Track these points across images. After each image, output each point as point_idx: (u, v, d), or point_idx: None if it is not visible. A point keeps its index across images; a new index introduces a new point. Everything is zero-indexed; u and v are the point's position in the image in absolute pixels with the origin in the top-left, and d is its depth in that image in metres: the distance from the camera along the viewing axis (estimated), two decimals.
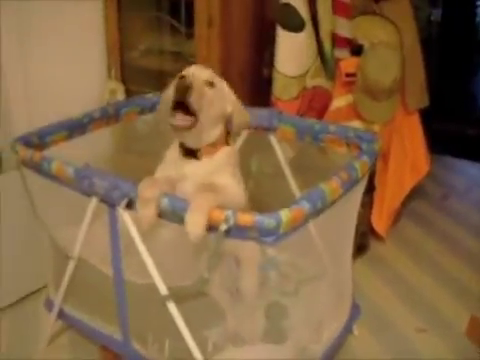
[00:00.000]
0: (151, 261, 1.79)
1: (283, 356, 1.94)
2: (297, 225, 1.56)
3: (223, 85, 1.97)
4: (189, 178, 1.91)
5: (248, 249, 1.80)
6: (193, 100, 1.78)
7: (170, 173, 1.94)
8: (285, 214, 1.49)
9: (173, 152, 1.99)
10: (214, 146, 1.93)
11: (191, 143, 1.92)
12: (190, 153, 1.93)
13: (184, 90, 1.77)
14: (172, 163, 1.97)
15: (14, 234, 2.48)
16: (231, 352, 1.91)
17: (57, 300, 2.21)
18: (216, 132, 1.92)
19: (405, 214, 3.54)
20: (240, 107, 1.99)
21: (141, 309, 1.94)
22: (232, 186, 1.88)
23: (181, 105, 1.78)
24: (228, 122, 1.96)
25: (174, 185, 1.90)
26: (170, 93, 1.86)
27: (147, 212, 1.67)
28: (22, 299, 2.63)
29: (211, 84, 1.87)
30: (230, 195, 1.79)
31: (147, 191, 1.68)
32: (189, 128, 1.82)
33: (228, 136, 2.00)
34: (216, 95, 1.88)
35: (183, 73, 1.88)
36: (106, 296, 2.01)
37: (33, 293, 2.66)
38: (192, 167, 1.92)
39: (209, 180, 1.87)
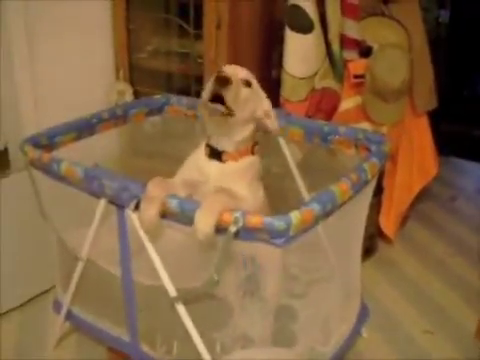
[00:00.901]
0: (160, 262, 1.78)
1: (292, 358, 1.94)
2: (307, 227, 1.55)
3: (259, 88, 2.00)
4: (211, 180, 1.93)
5: (269, 252, 1.80)
6: (230, 94, 1.80)
7: (192, 175, 1.95)
8: (295, 216, 1.48)
9: (197, 155, 2.02)
10: (239, 152, 1.96)
11: (220, 139, 1.95)
12: (215, 155, 1.95)
13: (223, 82, 1.79)
14: (194, 165, 1.99)
15: (22, 235, 2.49)
16: (239, 354, 1.90)
17: (65, 301, 2.21)
18: (246, 132, 1.96)
19: (413, 216, 3.53)
20: (270, 112, 2.02)
21: (149, 310, 1.94)
22: (248, 198, 1.89)
23: (218, 98, 1.80)
24: (258, 127, 2.01)
25: (195, 187, 1.93)
26: (208, 87, 1.86)
27: (148, 212, 1.68)
28: (28, 301, 2.63)
29: (248, 83, 1.91)
30: (244, 204, 1.78)
31: (153, 190, 1.69)
32: (224, 116, 1.83)
33: (254, 146, 2.02)
34: (251, 95, 1.92)
35: (222, 69, 1.90)
36: (114, 297, 2.01)
37: (39, 295, 2.66)
38: (213, 171, 1.95)
39: (228, 184, 1.89)
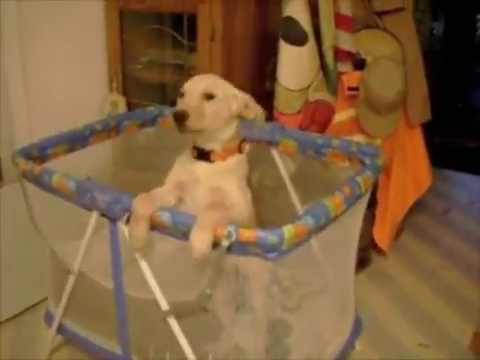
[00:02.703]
0: (152, 276, 1.77)
1: None
2: (300, 241, 1.54)
3: (225, 88, 2.00)
4: (200, 181, 1.95)
5: (256, 265, 1.79)
6: (192, 125, 1.84)
7: (181, 177, 1.96)
8: (288, 230, 1.47)
9: (185, 156, 2.03)
10: (227, 151, 1.99)
11: (205, 143, 1.97)
12: (203, 156, 1.97)
13: (181, 119, 1.83)
14: (183, 166, 2.00)
15: (14, 247, 2.47)
16: None
17: (57, 314, 2.19)
18: (230, 131, 2.00)
19: (407, 228, 3.52)
20: (247, 102, 2.05)
21: (142, 324, 1.92)
22: (239, 203, 1.91)
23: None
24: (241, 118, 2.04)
25: (185, 189, 1.95)
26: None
27: (137, 230, 1.67)
28: (22, 312, 2.61)
29: (210, 96, 1.91)
30: (236, 213, 1.79)
31: (139, 208, 1.68)
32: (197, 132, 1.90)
33: (242, 144, 2.05)
34: (218, 104, 1.93)
35: (181, 89, 1.95)
36: (107, 310, 1.99)
37: (33, 306, 2.64)
38: (203, 170, 1.96)
39: (218, 184, 1.92)
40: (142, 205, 1.68)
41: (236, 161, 2.02)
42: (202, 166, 1.97)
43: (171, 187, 1.97)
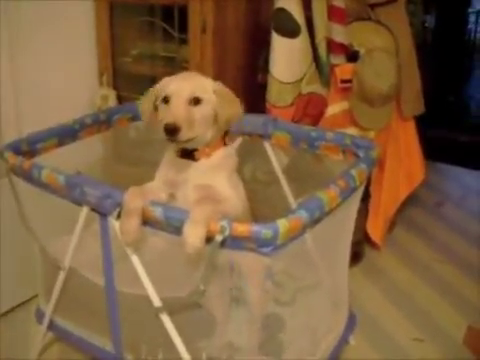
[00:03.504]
0: (144, 272, 1.75)
1: None
2: (295, 235, 1.52)
3: (207, 86, 1.88)
4: (189, 179, 1.89)
5: (251, 262, 1.77)
6: (183, 136, 1.76)
7: (169, 175, 1.92)
8: (282, 224, 1.45)
9: (171, 154, 1.96)
10: (210, 146, 1.90)
11: (186, 146, 1.89)
12: (186, 154, 1.90)
13: (173, 133, 1.75)
14: (170, 164, 1.94)
15: (4, 242, 2.44)
16: None
17: (48, 311, 2.16)
18: (210, 132, 1.88)
19: (400, 222, 3.52)
20: (225, 101, 1.89)
21: (134, 320, 1.90)
22: (231, 197, 1.85)
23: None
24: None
25: (176, 186, 1.90)
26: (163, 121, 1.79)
27: (128, 224, 1.65)
28: (13, 308, 2.59)
29: (197, 100, 1.82)
30: (229, 207, 1.76)
31: (130, 202, 1.65)
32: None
33: (225, 135, 1.96)
34: (205, 109, 1.84)
35: (163, 92, 1.85)
36: (98, 307, 1.97)
37: (24, 303, 2.62)
38: (190, 169, 1.89)
39: (207, 181, 1.86)
40: (133, 198, 1.65)
41: (222, 155, 1.93)
42: (188, 164, 1.90)
43: (161, 184, 1.93)
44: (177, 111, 1.77)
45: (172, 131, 1.74)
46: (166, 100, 1.83)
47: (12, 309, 2.59)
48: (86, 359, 2.28)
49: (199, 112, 1.82)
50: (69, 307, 2.14)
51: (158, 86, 1.92)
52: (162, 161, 1.99)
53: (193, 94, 1.82)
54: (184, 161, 1.91)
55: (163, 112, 1.84)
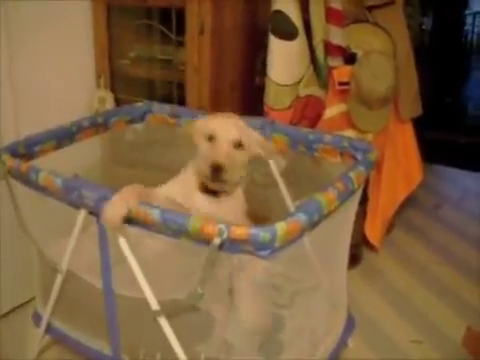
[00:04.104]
0: (141, 275, 1.74)
1: None
2: (293, 238, 1.51)
3: (248, 133, 1.99)
4: (199, 210, 1.92)
5: (244, 280, 1.79)
6: (226, 177, 1.84)
7: (178, 199, 1.94)
8: (281, 227, 1.44)
9: (184, 181, 2.01)
10: (236, 185, 1.99)
11: (216, 187, 1.95)
12: (209, 192, 1.96)
13: (218, 172, 1.83)
14: (181, 190, 1.99)
15: (2, 244, 2.44)
16: None
17: (45, 314, 2.15)
18: (242, 173, 1.98)
19: (398, 224, 3.52)
20: (265, 144, 2.06)
21: (132, 323, 1.89)
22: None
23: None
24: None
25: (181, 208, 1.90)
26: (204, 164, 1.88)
27: (113, 210, 1.64)
28: (10, 311, 2.59)
29: (239, 145, 1.91)
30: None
31: (125, 193, 1.66)
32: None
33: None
34: (246, 154, 1.95)
35: (207, 130, 1.92)
36: (96, 310, 1.96)
37: (22, 305, 2.62)
38: (207, 203, 1.96)
39: (223, 217, 1.87)
40: (130, 192, 1.66)
41: (240, 192, 2.03)
42: (204, 198, 1.95)
43: (165, 199, 1.94)
44: (221, 151, 1.86)
45: (217, 171, 1.81)
46: (210, 138, 1.90)
47: (13, 310, 2.59)
48: None
49: (240, 157, 1.91)
50: (67, 310, 2.13)
51: (201, 122, 1.99)
52: (172, 180, 2.01)
53: (237, 138, 1.91)
54: (197, 195, 1.97)
55: (207, 149, 1.90)
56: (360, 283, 2.92)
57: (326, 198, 1.62)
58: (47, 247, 2.08)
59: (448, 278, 3.00)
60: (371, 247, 3.18)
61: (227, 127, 1.92)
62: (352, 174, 1.80)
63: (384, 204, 3.15)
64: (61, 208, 1.85)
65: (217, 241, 1.46)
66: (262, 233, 1.43)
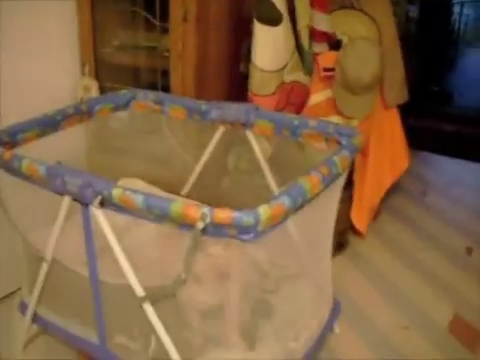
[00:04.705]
0: (126, 261, 1.73)
1: (266, 356, 1.90)
2: (276, 222, 1.51)
3: None
4: None
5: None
6: None
7: None
8: (264, 210, 1.44)
9: None
10: None
11: None
12: None
13: None
14: None
15: None
16: (213, 353, 1.86)
17: (31, 303, 2.15)
18: None
19: (384, 210, 3.53)
20: None
21: (118, 310, 1.89)
22: None
23: None
24: None
25: None
26: None
27: None
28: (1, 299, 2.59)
29: None
30: None
31: None
32: None
33: None
34: None
35: None
36: (82, 298, 1.96)
37: (8, 295, 2.61)
38: None
39: None
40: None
41: None
42: None
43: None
44: None
45: None
46: None
47: None
48: (72, 350, 2.27)
49: None
50: (53, 299, 2.12)
51: None
52: None
53: None
54: None
55: None
56: (346, 269, 2.93)
57: (310, 182, 1.62)
58: (32, 236, 2.07)
59: (434, 264, 3.01)
60: (357, 233, 3.19)
61: None
62: (336, 158, 1.80)
63: (370, 190, 3.15)
64: (46, 196, 1.84)
65: (200, 225, 1.46)
66: (245, 217, 1.43)
